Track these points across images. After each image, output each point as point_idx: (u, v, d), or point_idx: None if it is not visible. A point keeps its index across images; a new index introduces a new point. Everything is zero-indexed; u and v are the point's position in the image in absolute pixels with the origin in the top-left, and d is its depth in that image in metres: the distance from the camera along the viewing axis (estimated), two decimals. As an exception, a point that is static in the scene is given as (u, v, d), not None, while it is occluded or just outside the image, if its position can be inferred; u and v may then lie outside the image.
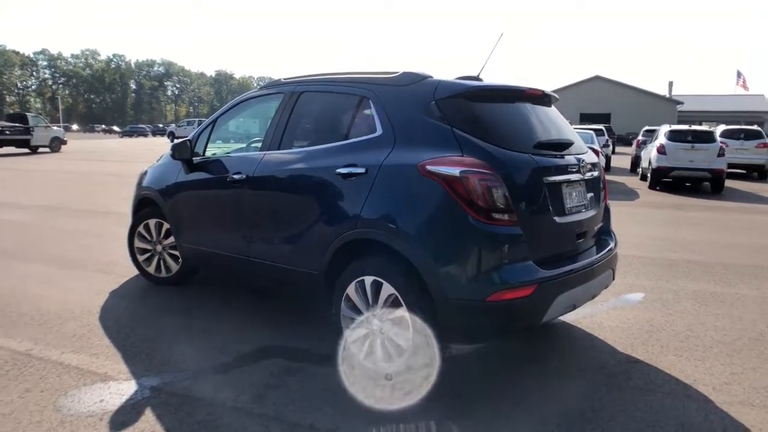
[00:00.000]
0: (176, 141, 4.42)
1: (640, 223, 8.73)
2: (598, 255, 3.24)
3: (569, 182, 3.08)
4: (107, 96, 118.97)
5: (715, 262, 6.06)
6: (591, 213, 3.27)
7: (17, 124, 25.69)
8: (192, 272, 4.77)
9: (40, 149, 26.72)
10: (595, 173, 3.40)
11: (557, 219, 2.95)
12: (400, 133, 2.97)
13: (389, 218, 2.86)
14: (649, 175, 14.09)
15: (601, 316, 4.19)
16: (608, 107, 50.21)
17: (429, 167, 2.73)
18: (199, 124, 6.33)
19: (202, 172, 4.17)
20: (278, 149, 3.60)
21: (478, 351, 3.53)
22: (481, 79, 3.40)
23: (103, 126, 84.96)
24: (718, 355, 3.49)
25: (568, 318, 4.08)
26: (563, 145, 3.18)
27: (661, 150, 13.42)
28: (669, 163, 13.26)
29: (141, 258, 4.85)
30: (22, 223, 7.93)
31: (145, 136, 62.21)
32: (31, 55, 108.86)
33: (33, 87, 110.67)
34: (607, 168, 19.20)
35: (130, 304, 4.40)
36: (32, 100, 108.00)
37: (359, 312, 3.03)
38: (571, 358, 3.51)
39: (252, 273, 3.85)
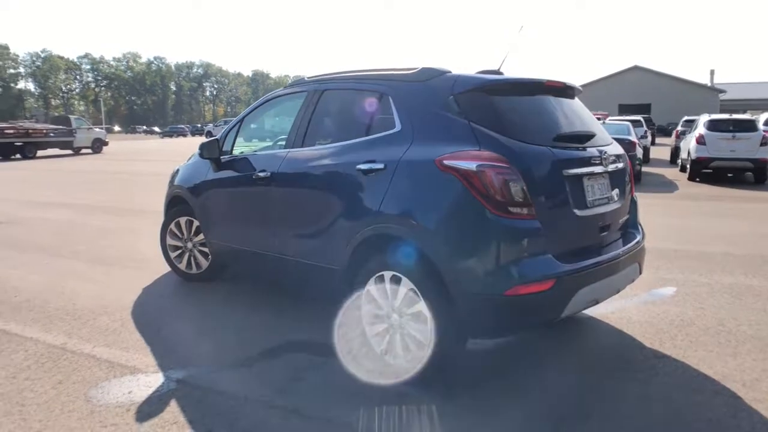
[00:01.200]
0: (205, 140, 4.52)
1: (677, 216, 8.48)
2: (623, 249, 3.17)
3: (591, 175, 3.02)
4: (148, 98, 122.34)
5: (754, 254, 5.84)
6: (615, 206, 3.20)
7: (61, 127, 26.74)
8: (222, 269, 4.89)
9: (83, 150, 27.76)
10: (620, 165, 3.33)
11: (578, 212, 2.90)
12: (418, 129, 2.98)
13: (407, 213, 2.87)
14: (688, 166, 13.65)
15: (630, 310, 4.09)
16: (648, 98, 48.80)
17: (446, 162, 2.73)
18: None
19: (230, 170, 4.26)
20: (302, 147, 3.66)
21: (501, 344, 3.51)
22: (501, 73, 3.37)
23: (144, 127, 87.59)
24: (751, 351, 3.37)
25: (596, 312, 4.01)
26: (585, 137, 3.12)
27: (701, 140, 12.97)
28: (709, 153, 12.81)
29: (173, 255, 4.99)
30: (63, 221, 8.26)
31: (185, 136, 63.85)
32: (75, 60, 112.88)
33: (77, 90, 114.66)
34: (646, 160, 18.68)
35: (162, 300, 4.54)
36: (76, 102, 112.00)
37: (380, 307, 3.05)
38: (597, 354, 3.45)
39: (277, 270, 3.92)
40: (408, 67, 3.27)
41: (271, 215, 3.82)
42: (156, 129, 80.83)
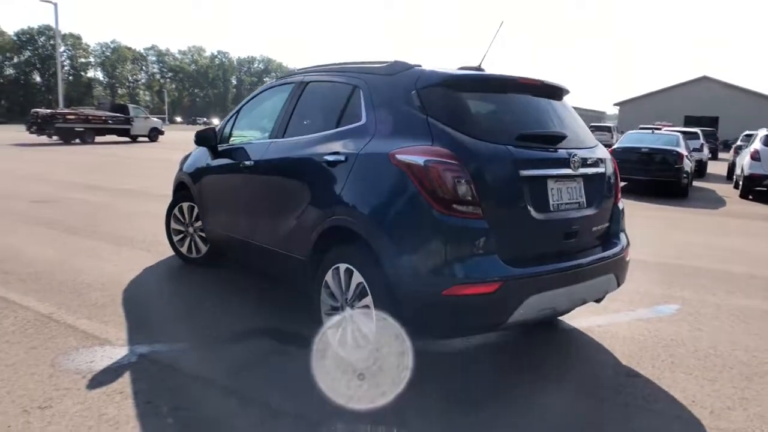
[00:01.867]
0: (201, 128, 4.65)
1: (713, 233, 8.02)
2: (594, 257, 3.03)
3: (559, 177, 2.90)
4: (210, 91, 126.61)
5: (782, 279, 5.45)
6: (588, 212, 3.06)
7: (119, 115, 28.06)
8: (221, 254, 5.01)
9: (139, 138, 29.04)
10: (600, 170, 3.18)
11: (537, 215, 2.79)
12: (380, 122, 2.97)
13: (360, 206, 2.86)
14: (741, 182, 12.89)
15: (620, 325, 3.91)
16: (716, 110, 46.51)
17: (398, 156, 2.70)
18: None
19: (223, 159, 4.37)
20: (283, 137, 3.70)
21: (471, 350, 3.43)
22: (482, 69, 3.30)
23: (204, 119, 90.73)
24: (735, 378, 3.15)
25: (581, 324, 3.86)
26: (555, 138, 3.00)
27: (755, 156, 12.21)
28: (764, 170, 12.04)
29: (176, 238, 5.16)
30: (99, 203, 8.68)
31: (240, 128, 65.70)
32: (142, 51, 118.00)
33: (142, 80, 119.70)
34: (702, 174, 17.78)
35: (158, 281, 4.70)
36: (141, 92, 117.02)
37: (336, 299, 3.05)
38: (570, 367, 3.31)
39: (258, 257, 3.99)
40: (383, 61, 3.24)
41: (253, 203, 3.89)
42: (215, 121, 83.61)
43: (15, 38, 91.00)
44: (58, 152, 19.85)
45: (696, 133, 19.01)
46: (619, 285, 3.24)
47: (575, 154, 2.97)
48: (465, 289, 2.52)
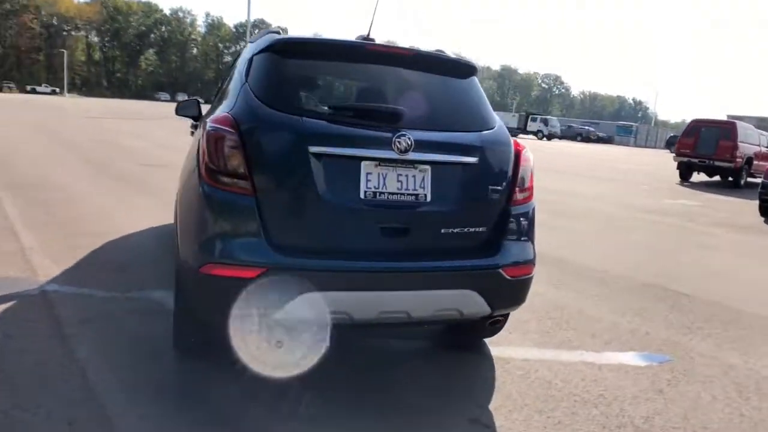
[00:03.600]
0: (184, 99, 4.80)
1: None
2: (433, 264, 2.46)
3: (381, 161, 2.38)
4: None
5: None
6: (432, 208, 2.46)
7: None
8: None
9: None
10: (470, 160, 2.53)
11: (333, 201, 2.32)
12: (225, 89, 2.92)
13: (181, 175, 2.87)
14: None
15: (553, 365, 3.09)
16: None
17: (207, 122, 2.53)
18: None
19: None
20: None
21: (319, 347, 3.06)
22: (372, 40, 2.91)
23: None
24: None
25: (511, 353, 3.20)
26: (378, 114, 2.48)
27: None
28: None
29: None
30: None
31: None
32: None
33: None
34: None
35: (147, 238, 5.06)
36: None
37: None
38: (433, 396, 2.74)
39: None
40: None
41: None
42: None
43: (233, 29, 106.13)
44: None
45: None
46: (492, 308, 2.56)
47: (404, 135, 2.39)
48: (220, 270, 2.25)
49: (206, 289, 2.32)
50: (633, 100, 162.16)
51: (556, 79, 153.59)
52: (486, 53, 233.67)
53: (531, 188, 2.77)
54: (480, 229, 2.59)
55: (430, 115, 2.63)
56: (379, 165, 2.39)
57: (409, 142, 2.38)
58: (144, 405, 2.35)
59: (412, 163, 2.43)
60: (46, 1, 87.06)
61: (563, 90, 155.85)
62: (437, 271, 2.45)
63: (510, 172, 2.66)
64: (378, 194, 2.39)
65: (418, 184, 2.45)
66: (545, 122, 50.35)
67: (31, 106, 30.96)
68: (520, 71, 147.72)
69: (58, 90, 74.48)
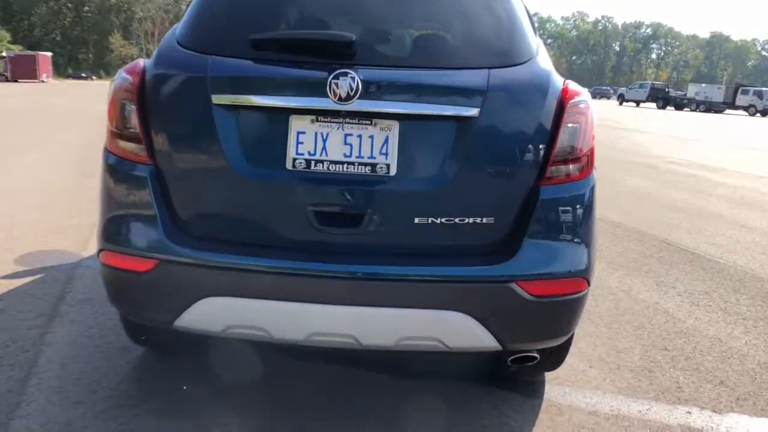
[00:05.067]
0: None
1: None
2: (403, 270, 1.59)
3: (318, 114, 1.59)
4: (588, 58, 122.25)
5: None
6: (396, 186, 1.60)
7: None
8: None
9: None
10: (466, 112, 1.59)
11: (247, 171, 1.59)
12: None
13: None
14: None
15: (648, 424, 2.08)
16: None
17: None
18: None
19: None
20: None
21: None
22: None
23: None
24: None
25: (581, 401, 2.22)
26: (332, 45, 1.63)
27: None
28: None
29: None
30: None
31: (608, 98, 61.67)
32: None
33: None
34: None
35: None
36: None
37: None
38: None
39: None
40: None
41: None
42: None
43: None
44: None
45: None
46: (502, 342, 1.64)
47: (347, 73, 1.57)
48: (111, 258, 1.71)
49: (106, 282, 1.82)
50: None
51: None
52: (690, 19, 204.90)
53: (584, 158, 1.76)
54: (481, 219, 1.67)
55: (403, 43, 1.79)
56: (317, 121, 1.62)
57: (353, 84, 1.58)
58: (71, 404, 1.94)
59: (368, 117, 1.64)
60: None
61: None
62: (401, 281, 1.63)
63: (544, 132, 1.68)
64: (314, 163, 1.61)
65: (377, 149, 1.62)
66: (759, 95, 41.55)
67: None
68: (734, 38, 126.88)
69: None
